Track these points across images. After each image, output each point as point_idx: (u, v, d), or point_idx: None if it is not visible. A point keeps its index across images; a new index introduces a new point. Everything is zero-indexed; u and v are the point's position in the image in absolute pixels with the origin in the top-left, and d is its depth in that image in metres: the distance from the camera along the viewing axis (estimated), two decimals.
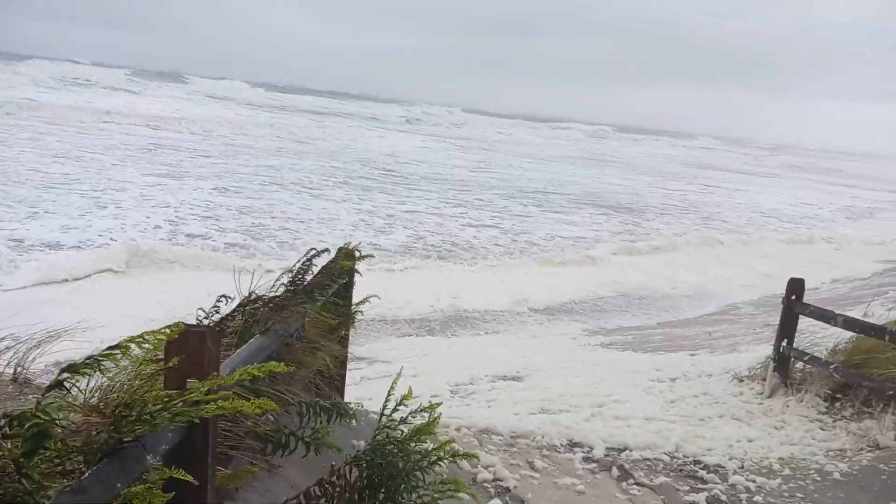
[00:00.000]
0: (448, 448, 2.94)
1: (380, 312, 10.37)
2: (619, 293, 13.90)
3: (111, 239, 13.33)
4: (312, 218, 17.89)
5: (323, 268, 4.24)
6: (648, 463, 5.31)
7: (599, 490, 4.85)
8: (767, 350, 7.04)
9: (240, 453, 2.93)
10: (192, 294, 3.58)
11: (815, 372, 6.52)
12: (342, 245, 4.76)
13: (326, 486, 2.72)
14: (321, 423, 3.34)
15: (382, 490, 2.82)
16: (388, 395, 3.01)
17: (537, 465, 5.02)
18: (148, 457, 1.94)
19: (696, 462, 5.38)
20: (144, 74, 72.37)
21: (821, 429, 6.00)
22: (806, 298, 6.79)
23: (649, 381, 7.31)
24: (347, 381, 5.02)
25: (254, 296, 3.61)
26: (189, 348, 2.21)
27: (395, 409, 2.95)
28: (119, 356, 1.97)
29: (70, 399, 1.98)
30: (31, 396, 2.74)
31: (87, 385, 2.24)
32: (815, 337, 7.00)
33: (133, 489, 1.97)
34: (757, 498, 4.86)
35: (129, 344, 2.02)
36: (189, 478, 2.09)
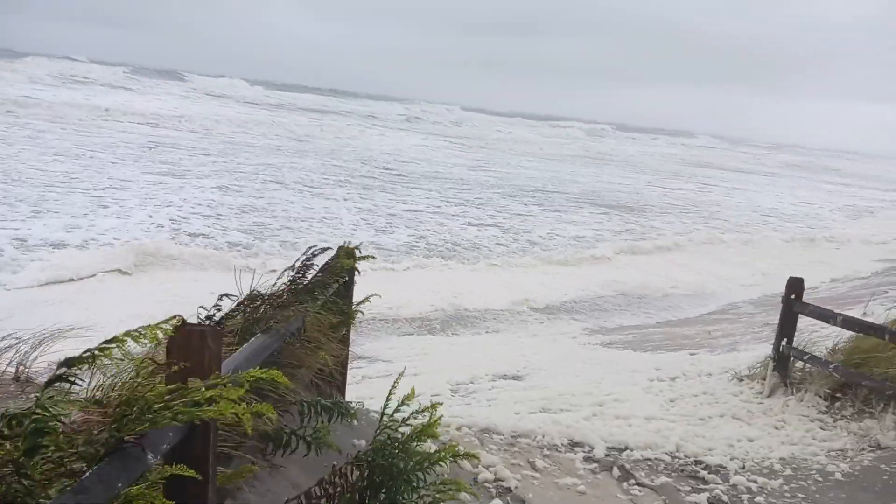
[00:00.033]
0: (449, 448, 2.93)
1: (380, 311, 10.37)
2: (618, 292, 13.90)
3: (114, 238, 13.33)
4: (314, 217, 17.89)
5: (323, 266, 4.23)
6: (649, 463, 5.31)
7: (600, 490, 4.84)
8: (767, 349, 7.03)
9: (241, 452, 2.92)
10: (196, 293, 3.57)
11: (815, 371, 6.51)
12: (342, 244, 4.76)
13: (327, 486, 2.72)
14: (322, 422, 3.34)
15: (383, 490, 2.81)
16: (390, 394, 3.00)
17: (538, 465, 5.01)
18: (149, 456, 1.93)
19: (698, 462, 5.38)
20: (143, 72, 72.32)
21: (821, 428, 5.99)
22: (805, 298, 6.78)
23: (649, 381, 7.31)
24: (348, 379, 5.02)
25: (255, 294, 3.61)
26: (190, 347, 2.20)
27: (396, 410, 2.94)
28: (116, 350, 1.97)
29: (71, 398, 1.97)
30: (32, 395, 2.74)
31: (89, 384, 2.24)
32: (814, 336, 6.99)
33: (134, 489, 1.97)
34: (759, 498, 4.86)
35: (125, 338, 2.02)
36: (192, 473, 2.08)
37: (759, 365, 6.97)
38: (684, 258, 17.70)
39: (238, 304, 3.54)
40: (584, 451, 5.36)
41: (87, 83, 54.20)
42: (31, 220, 13.78)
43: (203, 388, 2.10)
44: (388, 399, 3.00)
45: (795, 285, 6.69)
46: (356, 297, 4.82)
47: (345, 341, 4.73)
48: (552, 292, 13.22)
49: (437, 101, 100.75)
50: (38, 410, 1.63)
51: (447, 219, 19.79)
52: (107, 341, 1.97)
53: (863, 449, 5.59)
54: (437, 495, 2.87)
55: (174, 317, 2.23)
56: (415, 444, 2.89)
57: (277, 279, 3.81)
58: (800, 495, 4.94)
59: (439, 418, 2.96)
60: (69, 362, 1.89)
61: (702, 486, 5.01)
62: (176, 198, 17.57)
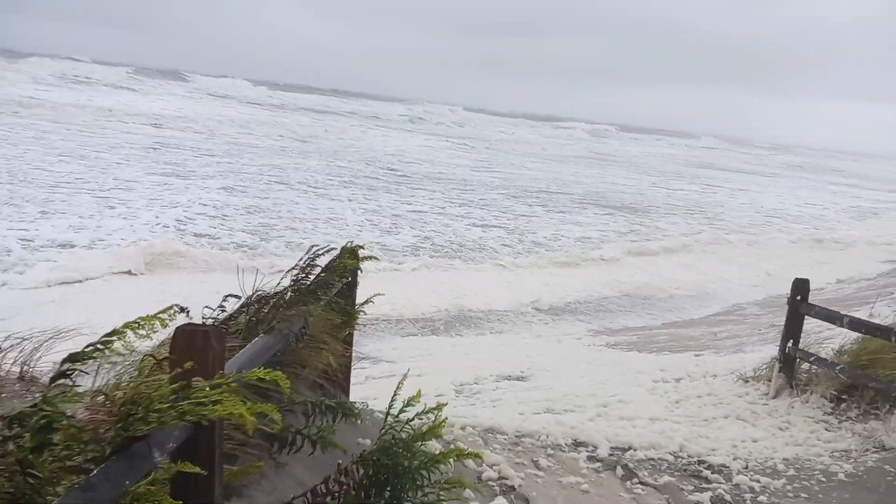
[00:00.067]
0: (453, 447, 2.94)
1: (384, 312, 10.39)
2: (623, 293, 13.89)
3: (122, 239, 13.37)
4: (319, 218, 17.92)
5: (326, 266, 4.24)
6: (653, 462, 5.30)
7: (604, 489, 4.84)
8: (773, 351, 7.01)
9: (247, 451, 2.93)
10: (202, 294, 3.59)
11: (821, 373, 6.50)
12: (346, 244, 4.76)
13: (333, 484, 2.72)
14: (327, 421, 3.35)
15: (388, 488, 2.82)
16: (394, 395, 3.01)
17: (542, 464, 5.01)
18: (156, 454, 1.94)
19: (701, 462, 5.37)
20: (145, 72, 72.51)
21: (826, 429, 5.97)
22: (811, 299, 6.76)
23: (654, 382, 7.29)
24: (352, 380, 5.02)
25: (258, 295, 3.61)
26: (194, 347, 2.21)
27: (401, 410, 2.95)
28: (119, 345, 1.98)
29: (76, 397, 1.98)
30: (37, 395, 2.75)
31: (93, 384, 2.25)
32: (820, 337, 6.97)
33: (140, 487, 1.98)
34: (761, 498, 4.85)
35: (124, 329, 2.04)
36: (197, 469, 2.09)
37: (764, 366, 6.95)
38: (690, 259, 17.67)
39: (242, 305, 3.54)
40: (587, 451, 5.36)
41: (91, 83, 54.34)
42: (38, 221, 13.81)
43: (207, 388, 2.11)
44: (393, 399, 3.01)
45: (801, 286, 6.67)
46: (360, 298, 4.82)
47: (348, 342, 4.73)
48: (557, 293, 13.21)
49: (438, 101, 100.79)
50: (45, 407, 1.64)
51: (452, 219, 19.80)
52: (108, 334, 1.98)
53: (867, 450, 5.57)
54: (442, 493, 2.87)
55: (171, 306, 2.25)
56: (419, 443, 2.90)
57: (281, 280, 3.82)
58: (803, 495, 4.93)
59: (444, 420, 2.96)
60: (74, 357, 1.90)
61: (705, 486, 5.01)
62: (181, 198, 17.61)
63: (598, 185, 33.28)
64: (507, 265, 15.13)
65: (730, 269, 16.82)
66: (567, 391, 7.01)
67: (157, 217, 15.46)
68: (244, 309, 3.53)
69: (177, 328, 2.27)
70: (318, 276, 4.10)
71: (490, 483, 4.50)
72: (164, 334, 2.39)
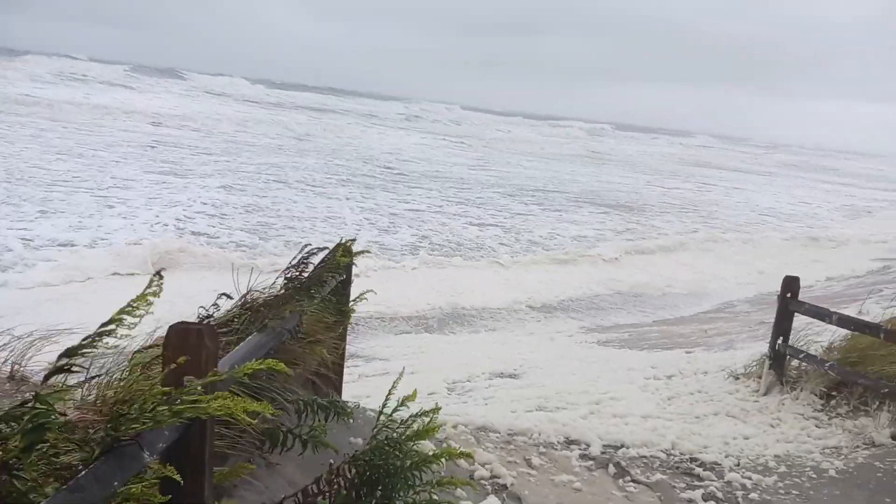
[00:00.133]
0: (446, 446, 2.96)
1: (378, 310, 10.40)
2: (615, 291, 13.93)
3: (122, 238, 13.33)
4: (317, 216, 17.93)
5: (319, 264, 4.26)
6: (645, 460, 5.34)
7: (596, 487, 4.87)
8: (763, 348, 7.05)
9: (237, 451, 2.95)
10: (201, 292, 3.61)
11: (811, 369, 6.54)
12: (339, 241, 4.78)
13: (324, 484, 2.74)
14: (319, 420, 3.36)
15: (380, 487, 2.84)
16: (388, 394, 3.02)
17: (534, 463, 5.04)
18: (145, 455, 1.95)
19: (693, 459, 5.40)
20: (142, 70, 72.33)
21: (816, 426, 6.01)
22: (801, 296, 6.80)
23: (645, 379, 7.33)
24: (345, 378, 5.04)
25: (252, 293, 3.64)
26: (187, 346, 2.23)
27: (395, 409, 2.96)
28: (113, 337, 2.00)
29: (67, 397, 2.00)
30: (27, 394, 2.77)
31: (84, 382, 2.27)
32: (810, 334, 7.01)
33: (130, 487, 1.99)
34: (753, 495, 4.89)
35: (120, 316, 2.05)
36: (177, 477, 2.09)
37: (755, 363, 7.00)
38: (685, 257, 17.72)
39: (236, 304, 3.57)
40: (580, 449, 5.39)
41: (87, 81, 54.22)
42: (37, 220, 13.78)
43: (199, 387, 2.13)
44: (386, 399, 3.02)
45: (791, 284, 6.71)
46: (355, 295, 4.84)
47: (342, 339, 4.76)
48: (550, 291, 13.25)
49: (436, 100, 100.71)
50: (38, 405, 1.65)
51: (449, 218, 19.81)
52: (105, 323, 1.99)
53: (857, 446, 5.61)
54: (433, 492, 2.90)
55: (157, 272, 2.27)
56: (412, 444, 2.91)
57: (277, 278, 3.85)
58: (794, 492, 4.97)
59: (438, 426, 2.98)
60: (70, 352, 1.91)
61: (696, 483, 5.04)
62: (180, 197, 17.59)
63: (595, 183, 33.32)
64: (504, 263, 15.16)
65: (725, 268, 16.87)
66: (559, 389, 7.04)
67: (157, 216, 15.44)
68: (238, 307, 3.56)
69: (170, 327, 2.29)
70: (312, 273, 4.13)
71: (482, 482, 4.53)
72: (161, 333, 2.40)
